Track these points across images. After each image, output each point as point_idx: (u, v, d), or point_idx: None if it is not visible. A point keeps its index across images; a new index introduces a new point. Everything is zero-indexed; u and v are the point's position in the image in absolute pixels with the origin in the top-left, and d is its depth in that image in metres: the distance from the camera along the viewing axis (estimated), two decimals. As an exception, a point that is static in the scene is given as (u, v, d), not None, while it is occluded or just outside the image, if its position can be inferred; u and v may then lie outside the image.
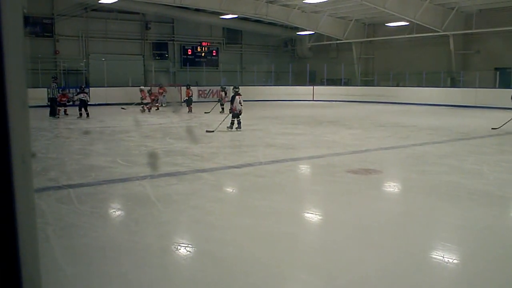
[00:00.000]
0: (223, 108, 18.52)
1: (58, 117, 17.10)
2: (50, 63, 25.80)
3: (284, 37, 33.53)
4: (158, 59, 29.39)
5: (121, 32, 27.91)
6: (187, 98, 20.15)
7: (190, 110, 19.54)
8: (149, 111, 19.99)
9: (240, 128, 13.08)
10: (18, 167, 0.75)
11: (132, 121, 16.48)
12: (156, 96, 21.13)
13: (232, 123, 13.13)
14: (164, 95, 22.35)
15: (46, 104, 19.10)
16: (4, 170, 0.73)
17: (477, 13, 24.31)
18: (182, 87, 22.48)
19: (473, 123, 16.13)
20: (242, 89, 24.05)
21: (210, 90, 27.82)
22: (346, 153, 9.67)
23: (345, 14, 28.50)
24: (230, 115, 13.31)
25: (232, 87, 14.71)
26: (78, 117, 16.89)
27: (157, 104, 20.78)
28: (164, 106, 21.75)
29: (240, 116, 13.12)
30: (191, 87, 20.89)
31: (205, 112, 18.96)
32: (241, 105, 13.15)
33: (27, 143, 0.79)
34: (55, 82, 18.10)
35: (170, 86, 24.32)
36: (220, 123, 13.04)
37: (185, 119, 17.08)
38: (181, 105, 20.19)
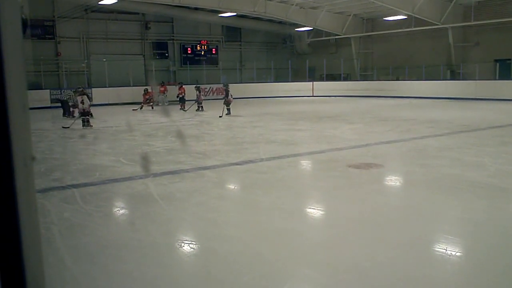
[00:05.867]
0: (199, 107, 19.15)
1: (74, 116, 17.30)
2: (52, 65, 25.93)
3: (283, 33, 33.51)
4: (158, 58, 29.45)
5: (122, 32, 27.96)
6: (181, 96, 20.49)
7: (182, 108, 19.86)
8: (140, 109, 20.36)
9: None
10: (20, 170, 0.75)
11: (134, 121, 16.53)
12: (151, 95, 21.37)
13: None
14: (165, 94, 22.45)
15: (49, 106, 19.43)
16: (7, 173, 0.74)
17: (476, 5, 24.28)
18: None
19: (474, 115, 16.14)
20: (242, 86, 24.35)
21: (210, 88, 27.89)
22: (347, 148, 9.69)
23: (343, 9, 28.50)
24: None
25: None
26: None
27: (151, 104, 21.02)
28: (167, 105, 21.87)
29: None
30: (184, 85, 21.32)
31: (180, 109, 19.55)
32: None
33: (29, 146, 0.78)
34: (74, 94, 18.64)
35: (169, 84, 24.43)
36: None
37: (186, 117, 17.11)
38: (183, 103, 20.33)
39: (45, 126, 14.80)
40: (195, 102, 19.26)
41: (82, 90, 15.01)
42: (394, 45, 29.01)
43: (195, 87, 19.92)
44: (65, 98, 17.99)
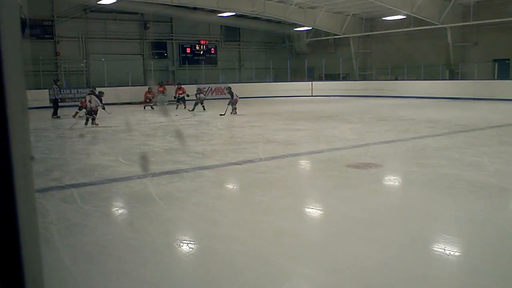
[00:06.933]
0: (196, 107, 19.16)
1: (59, 117, 17.23)
2: (51, 64, 25.95)
3: (282, 33, 33.55)
4: (157, 58, 29.46)
5: (120, 32, 27.99)
6: (180, 96, 20.63)
7: (179, 107, 20.08)
8: (144, 108, 20.71)
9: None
10: (19, 170, 0.75)
11: (133, 120, 16.52)
12: (153, 95, 21.55)
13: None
14: (165, 94, 22.48)
15: (49, 105, 19.48)
16: (6, 173, 0.74)
17: (474, 5, 24.30)
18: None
19: (472, 115, 16.16)
20: (240, 86, 24.45)
21: (209, 88, 27.89)
22: (346, 148, 9.69)
23: (342, 9, 28.51)
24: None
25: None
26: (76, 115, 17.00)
27: (150, 104, 21.17)
28: (166, 105, 21.92)
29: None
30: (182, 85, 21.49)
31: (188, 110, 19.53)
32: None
33: (28, 146, 0.79)
34: (57, 84, 18.50)
35: (168, 84, 24.46)
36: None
37: (185, 117, 17.11)
38: (181, 103, 20.42)
39: (44, 125, 14.79)
40: (195, 103, 19.29)
41: (92, 90, 15.14)
42: (393, 45, 29.02)
43: (197, 89, 20.04)
44: (57, 97, 18.01)
